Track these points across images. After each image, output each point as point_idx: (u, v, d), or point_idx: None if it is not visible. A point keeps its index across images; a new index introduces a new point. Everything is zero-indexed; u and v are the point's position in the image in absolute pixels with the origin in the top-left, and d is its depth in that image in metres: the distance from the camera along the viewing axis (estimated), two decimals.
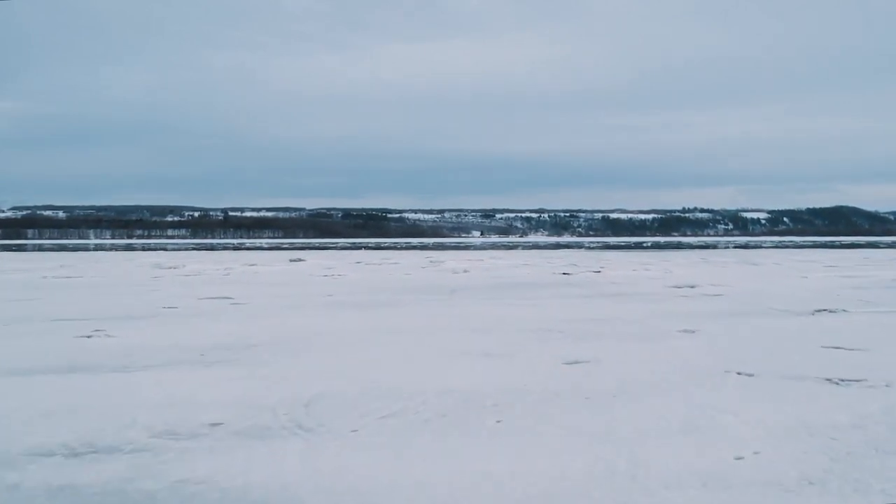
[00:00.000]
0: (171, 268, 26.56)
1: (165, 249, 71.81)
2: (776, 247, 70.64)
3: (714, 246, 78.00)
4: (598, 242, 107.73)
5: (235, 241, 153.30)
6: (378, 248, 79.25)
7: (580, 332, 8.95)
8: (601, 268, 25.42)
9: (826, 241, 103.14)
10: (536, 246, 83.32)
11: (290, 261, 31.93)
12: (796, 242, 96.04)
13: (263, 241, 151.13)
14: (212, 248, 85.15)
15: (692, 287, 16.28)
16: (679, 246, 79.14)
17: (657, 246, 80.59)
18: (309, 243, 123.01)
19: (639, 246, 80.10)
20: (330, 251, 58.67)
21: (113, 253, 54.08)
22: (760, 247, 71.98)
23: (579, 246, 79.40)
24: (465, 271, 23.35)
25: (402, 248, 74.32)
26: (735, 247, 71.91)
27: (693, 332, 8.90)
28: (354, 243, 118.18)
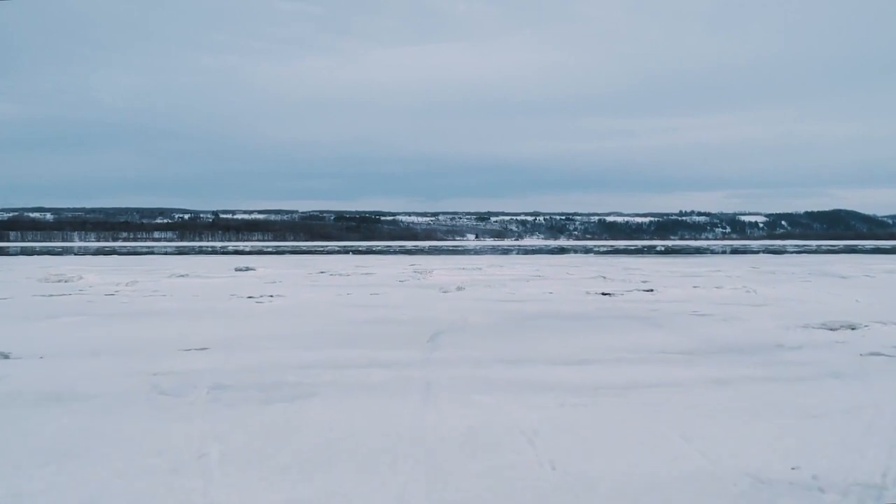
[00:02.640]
0: (60, 281, 19.58)
1: (118, 253, 64.59)
2: (803, 251, 63.77)
3: (737, 250, 71.15)
4: (605, 246, 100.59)
5: (219, 245, 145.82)
6: (369, 251, 72.47)
7: None
8: (645, 282, 18.55)
9: (847, 246, 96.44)
10: (540, 250, 76.37)
11: (237, 270, 24.99)
12: (819, 247, 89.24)
13: (247, 245, 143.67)
14: (184, 251, 78.11)
15: (852, 328, 9.38)
16: (697, 251, 72.29)
17: (672, 251, 73.73)
18: (297, 247, 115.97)
19: (651, 250, 73.22)
20: (305, 256, 51.63)
21: (45, 258, 46.87)
22: (785, 251, 65.14)
23: (585, 250, 72.49)
24: (459, 289, 16.43)
25: (394, 252, 67.53)
26: (761, 251, 64.99)
27: None
28: (343, 247, 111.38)
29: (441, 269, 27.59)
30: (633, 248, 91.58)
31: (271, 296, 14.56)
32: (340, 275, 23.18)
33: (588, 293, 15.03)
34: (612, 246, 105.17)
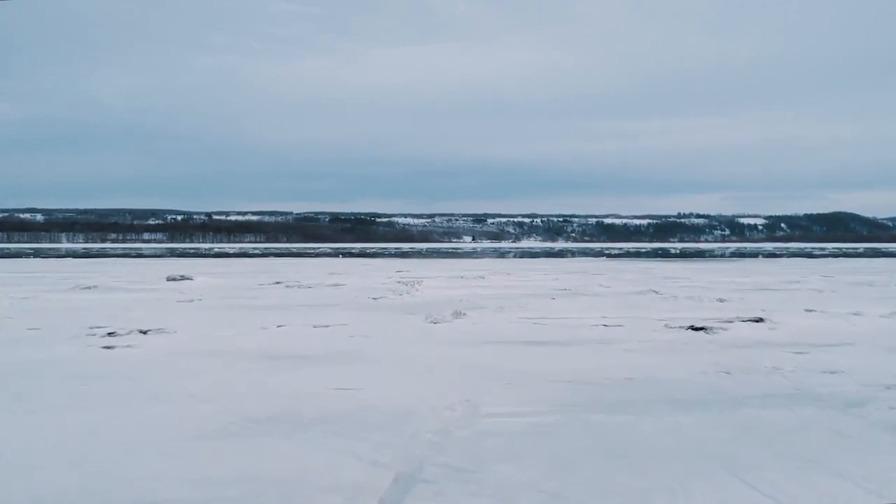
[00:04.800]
0: None
1: (89, 256, 58.73)
2: (837, 255, 58.10)
3: (756, 253, 65.45)
4: (614, 249, 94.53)
5: (205, 247, 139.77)
6: (362, 254, 66.86)
7: None
8: (723, 302, 12.92)
9: (868, 249, 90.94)
10: (545, 253, 70.59)
11: (168, 279, 19.25)
12: (841, 250, 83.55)
13: (234, 247, 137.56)
14: (161, 254, 72.39)
15: None
16: (722, 255, 66.72)
17: (687, 254, 68.07)
18: (286, 249, 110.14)
19: (667, 253, 67.56)
20: (283, 259, 45.77)
21: None
22: (811, 255, 59.45)
23: (595, 253, 66.71)
24: (457, 315, 10.75)
25: (388, 255, 62.03)
26: (790, 255, 59.24)
27: None
28: (336, 249, 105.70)
29: (434, 277, 21.93)
30: (644, 250, 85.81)
31: (145, 332, 8.82)
32: (301, 286, 17.48)
33: (668, 326, 9.33)
34: (621, 248, 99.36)
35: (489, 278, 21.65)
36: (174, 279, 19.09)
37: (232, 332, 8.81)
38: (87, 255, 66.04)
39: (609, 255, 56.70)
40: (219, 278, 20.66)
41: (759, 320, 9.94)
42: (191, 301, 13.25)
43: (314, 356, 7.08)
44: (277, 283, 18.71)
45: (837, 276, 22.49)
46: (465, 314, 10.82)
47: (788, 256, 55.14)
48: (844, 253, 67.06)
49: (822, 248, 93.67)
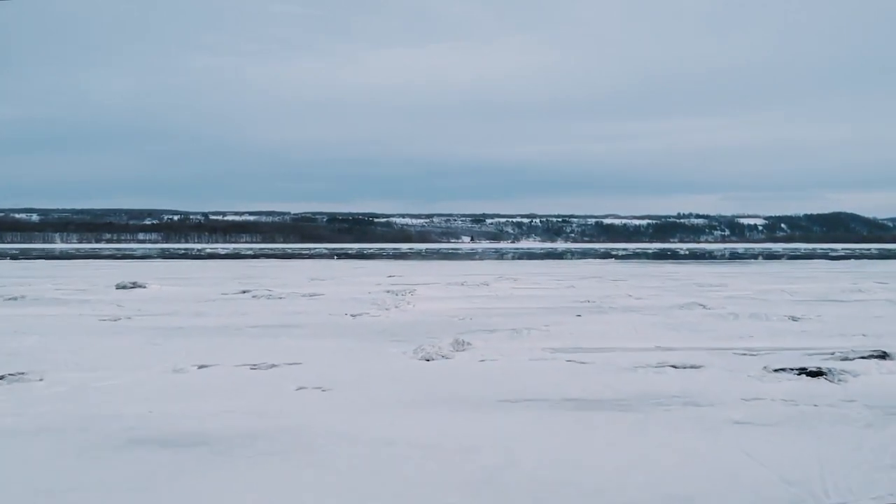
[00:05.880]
0: None
1: (73, 257, 55.82)
2: (848, 256, 55.24)
3: (768, 255, 62.61)
4: (620, 249, 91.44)
5: (197, 247, 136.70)
6: (359, 255, 64.13)
7: None
8: (796, 320, 10.09)
9: (882, 250, 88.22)
10: (550, 255, 67.67)
11: (118, 287, 16.37)
12: (855, 251, 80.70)
13: (227, 247, 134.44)
14: (149, 255, 69.58)
15: None
16: (731, 256, 63.84)
17: (696, 255, 65.19)
18: (281, 250, 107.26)
19: (676, 254, 64.68)
20: (270, 260, 42.86)
21: None
22: (827, 256, 56.62)
23: (599, 255, 63.76)
24: (458, 346, 7.87)
25: (385, 256, 59.31)
26: (802, 256, 56.36)
27: None
28: (332, 249, 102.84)
29: (430, 283, 19.06)
30: (651, 251, 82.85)
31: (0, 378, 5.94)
32: (270, 296, 14.61)
33: (767, 368, 6.45)
34: (626, 249, 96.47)
35: (493, 285, 18.80)
36: (124, 287, 16.21)
37: (124, 380, 5.94)
38: (73, 255, 63.11)
39: (616, 257, 53.85)
40: (178, 285, 17.75)
41: (884, 356, 7.08)
42: (116, 320, 10.35)
43: (220, 439, 4.20)
44: (245, 291, 15.82)
45: (893, 283, 19.64)
46: (468, 343, 7.95)
47: (798, 258, 52.30)
48: (861, 254, 64.26)
49: (833, 249, 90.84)
